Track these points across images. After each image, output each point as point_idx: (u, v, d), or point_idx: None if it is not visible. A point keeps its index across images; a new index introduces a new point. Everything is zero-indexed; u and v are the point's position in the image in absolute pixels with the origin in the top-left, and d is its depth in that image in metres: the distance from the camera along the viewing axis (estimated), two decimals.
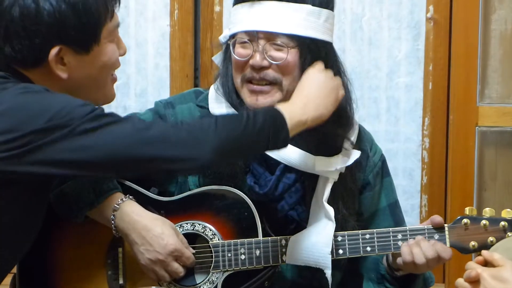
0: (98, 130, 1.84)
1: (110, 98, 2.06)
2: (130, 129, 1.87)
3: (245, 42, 2.21)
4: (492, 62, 3.07)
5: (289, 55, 2.19)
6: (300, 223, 2.26)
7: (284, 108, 2.02)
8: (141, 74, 3.13)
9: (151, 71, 3.13)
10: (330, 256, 2.20)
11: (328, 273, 2.19)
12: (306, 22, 2.19)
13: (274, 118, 1.98)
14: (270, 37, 2.19)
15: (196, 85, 3.13)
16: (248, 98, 2.23)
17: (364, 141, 2.36)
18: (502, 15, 3.06)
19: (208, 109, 2.32)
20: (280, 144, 2.02)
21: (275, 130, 1.97)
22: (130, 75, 3.12)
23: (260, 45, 2.19)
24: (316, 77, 2.12)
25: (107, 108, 3.08)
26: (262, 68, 2.20)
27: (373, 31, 3.07)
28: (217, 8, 3.08)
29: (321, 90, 2.10)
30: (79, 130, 1.82)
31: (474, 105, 3.04)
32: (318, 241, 2.20)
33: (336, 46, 2.31)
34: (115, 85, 3.16)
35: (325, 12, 2.21)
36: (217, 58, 2.37)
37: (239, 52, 2.22)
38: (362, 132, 2.37)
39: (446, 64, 3.06)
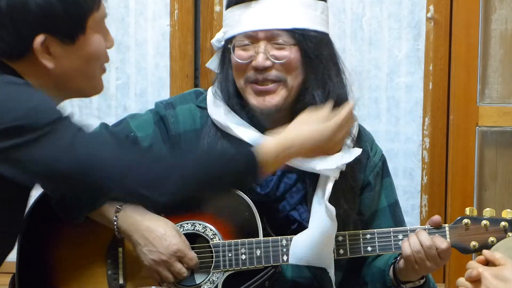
0: (56, 141, 1.79)
1: (98, 89, 2.03)
2: (100, 144, 1.82)
3: (246, 45, 2.21)
4: (492, 62, 3.07)
5: (292, 53, 2.19)
6: (301, 223, 2.26)
7: (265, 147, 1.93)
8: (141, 74, 3.12)
9: (151, 71, 3.12)
10: (333, 255, 2.19)
11: (331, 272, 2.19)
12: (305, 15, 2.19)
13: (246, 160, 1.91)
14: (271, 37, 2.19)
15: (196, 85, 3.12)
16: (254, 99, 2.22)
17: (364, 141, 2.36)
18: (502, 15, 3.06)
19: (207, 109, 2.32)
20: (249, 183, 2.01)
21: (243, 171, 1.92)
22: (130, 75, 3.12)
23: (261, 46, 2.19)
24: (317, 127, 1.99)
25: (108, 107, 3.11)
26: (265, 69, 2.20)
27: (373, 31, 3.07)
28: (217, 8, 3.08)
29: (316, 141, 1.99)
30: (38, 138, 1.78)
31: (474, 105, 3.04)
32: (320, 240, 2.20)
33: (336, 46, 2.31)
34: (115, 85, 3.17)
35: (320, 3, 2.23)
36: (212, 63, 2.36)
37: (240, 55, 2.22)
38: (362, 132, 2.37)
39: (446, 64, 3.05)
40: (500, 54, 3.06)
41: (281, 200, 2.27)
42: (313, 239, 2.21)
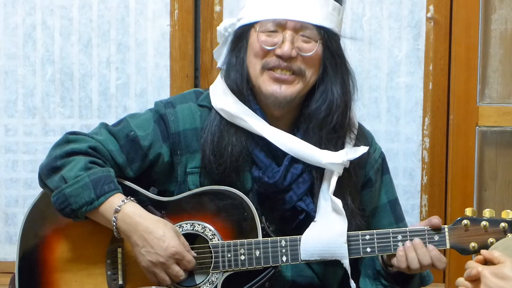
0: None
1: None
2: None
3: (272, 31, 2.21)
4: (492, 62, 3.07)
5: (317, 48, 2.20)
6: (309, 213, 2.26)
7: None
8: (141, 74, 3.13)
9: (151, 71, 3.12)
10: (346, 245, 2.19)
11: (346, 262, 2.19)
12: (331, 16, 2.23)
13: None
14: (299, 28, 2.21)
15: (196, 85, 3.13)
16: (269, 87, 2.23)
17: (364, 138, 2.36)
18: (502, 15, 3.06)
19: (209, 108, 2.31)
20: None
21: None
22: (130, 75, 3.12)
23: (288, 35, 2.20)
24: None
25: (108, 107, 3.11)
26: (289, 58, 2.20)
27: (373, 31, 3.07)
28: (217, 8, 3.08)
29: None
30: None
31: (474, 105, 3.04)
32: (332, 233, 2.21)
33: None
34: (115, 85, 3.17)
35: (342, 9, 2.28)
36: (218, 51, 2.35)
37: (264, 40, 2.22)
38: (362, 129, 2.38)
39: (446, 64, 3.05)
40: (500, 54, 3.06)
41: (288, 190, 2.26)
42: (323, 233, 2.21)
